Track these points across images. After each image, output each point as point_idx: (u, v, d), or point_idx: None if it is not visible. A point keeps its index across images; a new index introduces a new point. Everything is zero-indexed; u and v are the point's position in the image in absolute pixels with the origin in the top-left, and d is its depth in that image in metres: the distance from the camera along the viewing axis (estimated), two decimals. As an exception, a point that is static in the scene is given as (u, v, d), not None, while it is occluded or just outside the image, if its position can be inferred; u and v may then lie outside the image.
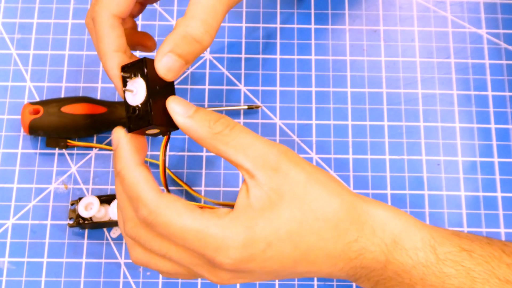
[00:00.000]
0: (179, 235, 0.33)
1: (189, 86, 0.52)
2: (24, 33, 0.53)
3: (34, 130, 0.47)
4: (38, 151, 0.50)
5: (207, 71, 0.52)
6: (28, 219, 0.48)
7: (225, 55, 0.53)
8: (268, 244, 0.33)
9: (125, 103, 0.36)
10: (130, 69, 0.36)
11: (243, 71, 0.52)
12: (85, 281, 0.46)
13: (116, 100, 0.51)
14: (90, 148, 0.50)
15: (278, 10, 0.55)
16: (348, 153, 0.50)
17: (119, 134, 0.35)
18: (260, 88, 0.52)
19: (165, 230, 0.33)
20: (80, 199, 0.46)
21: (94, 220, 0.46)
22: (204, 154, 0.50)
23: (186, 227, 0.33)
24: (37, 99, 0.51)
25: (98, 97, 0.51)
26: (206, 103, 0.51)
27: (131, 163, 0.34)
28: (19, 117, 0.50)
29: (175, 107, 0.35)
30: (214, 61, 0.53)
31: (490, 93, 0.52)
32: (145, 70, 0.35)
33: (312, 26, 0.54)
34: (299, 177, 0.35)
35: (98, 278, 0.47)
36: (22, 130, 0.50)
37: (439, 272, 0.36)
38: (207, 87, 0.52)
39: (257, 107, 0.51)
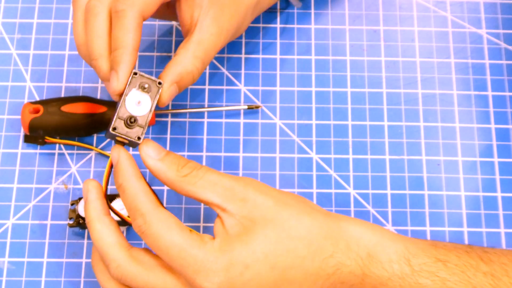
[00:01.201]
0: (164, 250, 0.35)
1: (189, 86, 0.52)
2: (24, 33, 0.53)
3: (34, 129, 0.47)
4: (38, 151, 0.50)
5: (207, 71, 0.52)
6: (28, 219, 0.48)
7: (225, 55, 0.53)
8: (246, 266, 0.35)
9: (120, 104, 0.38)
10: (142, 80, 0.38)
11: (243, 71, 0.52)
12: (85, 281, 0.46)
13: (116, 100, 0.51)
14: (72, 146, 0.50)
15: (278, 10, 0.55)
16: (348, 153, 0.50)
17: (119, 150, 0.38)
18: (260, 88, 0.52)
19: (153, 242, 0.35)
20: (80, 199, 0.46)
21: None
22: (204, 154, 0.50)
23: (172, 243, 0.35)
24: (37, 99, 0.51)
25: (98, 97, 0.51)
26: (206, 103, 0.51)
27: (132, 176, 0.37)
28: (19, 117, 0.50)
29: (148, 150, 0.37)
30: (214, 61, 0.53)
31: (490, 93, 0.52)
32: (159, 92, 0.39)
33: (312, 26, 0.54)
34: (267, 203, 0.36)
35: (98, 278, 0.47)
36: (22, 130, 0.50)
37: (415, 284, 0.36)
38: (207, 87, 0.52)
39: (257, 107, 0.51)
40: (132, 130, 0.38)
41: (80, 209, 0.46)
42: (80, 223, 0.46)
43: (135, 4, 0.39)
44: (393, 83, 0.52)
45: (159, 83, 0.39)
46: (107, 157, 0.50)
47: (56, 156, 0.50)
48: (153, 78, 0.39)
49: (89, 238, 0.48)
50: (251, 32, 0.54)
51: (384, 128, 0.51)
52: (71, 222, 0.46)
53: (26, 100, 0.51)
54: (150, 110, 0.38)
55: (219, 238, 0.36)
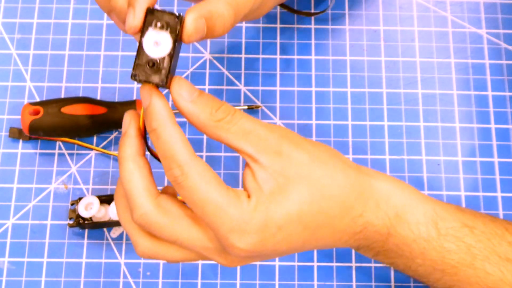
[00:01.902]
0: (199, 204, 0.33)
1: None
2: (24, 33, 0.53)
3: (34, 130, 0.47)
4: (38, 151, 0.50)
5: (207, 71, 0.52)
6: (28, 219, 0.48)
7: (225, 55, 0.53)
8: (279, 228, 0.34)
9: (139, 47, 0.34)
10: (158, 17, 0.34)
11: (243, 71, 0.52)
12: (85, 281, 0.46)
13: (116, 100, 0.51)
14: (72, 146, 0.50)
15: (278, 10, 0.55)
16: (348, 153, 0.50)
17: (150, 91, 0.34)
18: (260, 88, 0.52)
19: (189, 195, 0.33)
20: (80, 199, 0.46)
21: (94, 220, 0.46)
22: (204, 154, 0.50)
23: (209, 198, 0.33)
24: (37, 99, 0.51)
25: (98, 97, 0.51)
26: (206, 103, 0.51)
27: (168, 120, 0.34)
28: (19, 117, 0.50)
29: (180, 90, 0.34)
30: (214, 61, 0.53)
31: (490, 93, 0.52)
32: (178, 29, 0.34)
33: (312, 26, 0.54)
34: (301, 158, 0.35)
35: (98, 278, 0.47)
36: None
37: (440, 247, 0.36)
38: (207, 87, 0.52)
39: (257, 107, 0.51)
40: (155, 74, 0.34)
41: (81, 209, 0.46)
42: (80, 223, 0.46)
43: None
44: (393, 83, 0.52)
45: (178, 16, 0.34)
46: (108, 156, 0.50)
47: (56, 156, 0.50)
48: (173, 13, 0.34)
49: (89, 238, 0.48)
50: (251, 32, 0.54)
51: (384, 128, 0.51)
52: (71, 222, 0.46)
53: (26, 100, 0.51)
54: (173, 49, 0.34)
55: (254, 197, 0.34)
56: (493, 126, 0.51)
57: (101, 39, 0.53)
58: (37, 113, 0.47)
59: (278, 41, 0.54)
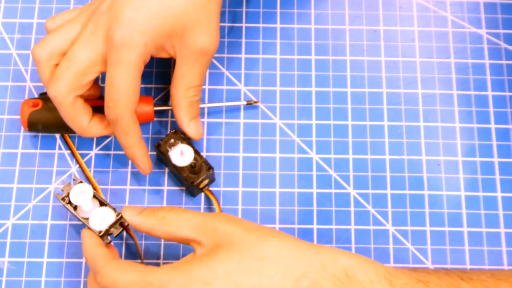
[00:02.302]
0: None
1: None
2: (24, 33, 0.53)
3: (33, 123, 0.47)
4: (38, 151, 0.50)
5: (207, 71, 0.52)
6: (28, 219, 0.48)
7: (225, 55, 0.53)
8: (206, 282, 0.35)
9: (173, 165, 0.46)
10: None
11: (243, 71, 0.52)
12: (85, 281, 0.46)
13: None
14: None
15: (278, 10, 0.55)
16: (348, 153, 0.50)
17: (84, 233, 0.43)
18: (260, 88, 0.52)
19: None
20: (76, 181, 0.45)
21: (78, 211, 0.45)
22: (203, 154, 0.50)
23: (130, 281, 0.36)
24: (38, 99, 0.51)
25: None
26: (206, 103, 0.51)
27: (93, 245, 0.41)
28: (19, 117, 0.50)
29: (126, 211, 0.42)
30: (214, 61, 0.53)
31: (490, 93, 0.52)
32: (180, 135, 0.48)
33: (312, 26, 0.54)
34: (236, 230, 0.37)
35: (98, 278, 0.47)
36: (22, 130, 0.50)
37: None
38: (207, 87, 0.52)
39: (256, 102, 0.51)
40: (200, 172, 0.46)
41: (74, 192, 0.44)
42: (66, 202, 0.45)
43: (125, 109, 0.43)
44: (393, 83, 0.52)
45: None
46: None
47: (56, 156, 0.50)
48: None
49: (89, 238, 0.48)
50: (251, 32, 0.54)
51: (384, 128, 0.51)
52: (61, 195, 0.45)
53: (26, 100, 0.51)
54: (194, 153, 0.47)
55: (179, 262, 0.37)
56: (493, 126, 0.51)
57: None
58: (36, 105, 0.47)
59: (278, 41, 0.54)
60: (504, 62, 0.53)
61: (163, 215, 0.39)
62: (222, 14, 0.54)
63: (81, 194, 0.44)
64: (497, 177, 0.50)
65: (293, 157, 0.50)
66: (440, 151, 0.50)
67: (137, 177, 0.49)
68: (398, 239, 0.48)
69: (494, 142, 0.51)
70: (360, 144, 0.50)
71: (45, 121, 0.47)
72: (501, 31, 0.54)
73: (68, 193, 0.44)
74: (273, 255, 0.36)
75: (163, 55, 0.45)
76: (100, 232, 0.43)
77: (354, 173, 0.50)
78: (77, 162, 0.49)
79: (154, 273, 0.36)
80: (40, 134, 0.50)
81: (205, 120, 0.51)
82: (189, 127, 0.46)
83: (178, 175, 0.47)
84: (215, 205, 0.47)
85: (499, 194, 0.49)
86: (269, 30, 0.54)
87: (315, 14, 0.55)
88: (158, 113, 0.51)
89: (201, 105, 0.49)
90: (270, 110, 0.51)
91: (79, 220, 0.44)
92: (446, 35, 0.54)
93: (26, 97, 0.51)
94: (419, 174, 0.50)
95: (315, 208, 0.49)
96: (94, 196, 0.45)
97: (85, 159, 0.50)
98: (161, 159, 0.48)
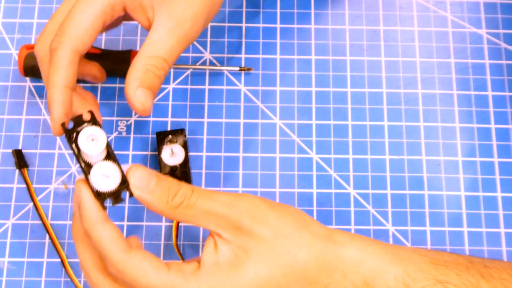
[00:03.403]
0: None
1: (189, 86, 0.52)
2: (24, 33, 0.53)
3: (29, 67, 0.48)
4: (38, 151, 0.50)
5: (207, 71, 0.52)
6: (28, 219, 0.48)
7: (225, 55, 0.53)
8: None
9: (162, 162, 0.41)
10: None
11: (243, 71, 0.52)
12: (85, 281, 0.46)
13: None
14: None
15: (278, 10, 0.55)
16: (348, 153, 0.50)
17: (80, 190, 0.35)
18: (260, 88, 0.52)
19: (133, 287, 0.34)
20: (90, 122, 0.36)
21: (82, 154, 0.36)
22: (204, 154, 0.50)
23: (153, 286, 0.34)
24: (37, 99, 0.51)
25: (98, 97, 0.51)
26: (206, 103, 0.51)
27: (97, 221, 0.35)
28: (19, 117, 0.50)
29: (135, 182, 0.35)
30: (214, 61, 0.53)
31: (490, 93, 0.52)
32: (184, 139, 0.42)
33: (312, 26, 0.54)
34: (263, 234, 0.35)
35: (98, 278, 0.47)
36: (22, 130, 0.50)
37: None
38: (207, 87, 0.52)
39: (249, 69, 0.51)
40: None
41: (82, 136, 0.36)
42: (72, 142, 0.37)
43: (67, 42, 0.38)
44: (393, 83, 0.52)
45: (181, 131, 0.39)
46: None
47: (56, 156, 0.50)
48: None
49: (89, 238, 0.48)
50: (251, 32, 0.54)
51: (384, 128, 0.51)
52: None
53: (26, 100, 0.51)
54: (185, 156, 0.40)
55: (206, 272, 0.34)
56: (493, 126, 0.51)
57: (101, 40, 0.53)
58: (32, 47, 0.48)
59: (278, 41, 0.54)
60: (504, 62, 0.53)
61: (177, 204, 0.35)
62: (222, 14, 0.54)
63: (92, 139, 0.36)
64: (497, 177, 0.50)
65: (293, 157, 0.50)
66: (440, 151, 0.50)
67: (137, 177, 0.49)
68: (398, 239, 0.48)
69: (494, 142, 0.51)
70: (360, 144, 0.50)
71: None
72: (501, 31, 0.54)
73: (77, 131, 0.36)
74: (300, 271, 0.35)
75: (139, 16, 0.41)
76: (97, 192, 0.35)
77: (354, 173, 0.50)
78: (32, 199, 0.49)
79: (181, 285, 0.34)
80: (40, 134, 0.50)
81: (205, 120, 0.51)
82: (135, 94, 0.38)
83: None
84: None
85: (499, 194, 0.49)
86: (269, 30, 0.54)
87: (315, 14, 0.55)
88: (157, 116, 0.51)
89: (203, 66, 0.50)
90: (270, 110, 0.51)
91: (79, 165, 0.36)
92: (446, 35, 0.54)
93: (26, 97, 0.51)
94: (419, 174, 0.50)
95: (315, 208, 0.49)
96: (107, 147, 0.36)
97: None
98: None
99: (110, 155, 0.36)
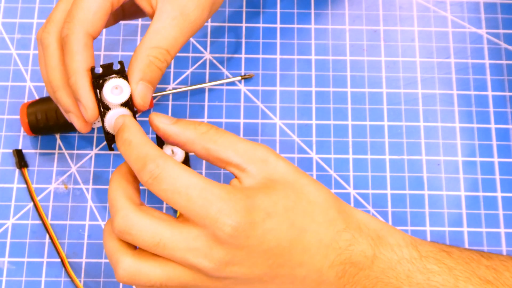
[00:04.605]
0: (183, 190, 0.33)
1: (189, 86, 0.52)
2: (24, 33, 0.53)
3: (31, 114, 0.47)
4: (38, 151, 0.50)
5: (207, 71, 0.52)
6: (28, 219, 0.48)
7: (225, 55, 0.53)
8: (268, 214, 0.33)
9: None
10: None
11: (243, 71, 0.52)
12: (85, 281, 0.46)
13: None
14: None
15: (278, 10, 0.55)
16: (348, 153, 0.50)
17: (124, 117, 0.36)
18: (260, 88, 0.52)
19: (170, 185, 0.33)
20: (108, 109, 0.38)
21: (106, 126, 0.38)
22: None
23: (192, 182, 0.33)
24: (37, 98, 0.51)
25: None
26: (206, 103, 0.51)
27: (140, 131, 0.35)
28: (19, 117, 0.50)
29: (159, 118, 0.36)
30: (214, 61, 0.53)
31: (490, 93, 0.52)
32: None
33: (312, 26, 0.54)
34: (288, 169, 0.36)
35: (98, 278, 0.47)
36: (22, 130, 0.50)
37: (424, 269, 0.36)
38: (207, 86, 0.52)
39: (250, 76, 0.51)
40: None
41: (107, 88, 0.38)
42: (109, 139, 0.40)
43: (77, 26, 0.37)
44: (393, 83, 0.52)
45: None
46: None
47: (56, 156, 0.50)
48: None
49: (89, 238, 0.48)
50: (251, 32, 0.54)
51: (384, 128, 0.51)
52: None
53: (26, 100, 0.51)
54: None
55: (239, 187, 0.34)
56: (493, 126, 0.51)
57: (101, 39, 0.53)
58: (33, 100, 0.48)
59: (278, 41, 0.54)
60: (504, 62, 0.53)
61: (205, 130, 0.36)
62: (222, 14, 0.54)
63: (116, 88, 0.38)
64: (497, 177, 0.50)
65: (293, 157, 0.50)
66: (440, 151, 0.50)
67: (137, 177, 0.49)
68: (398, 239, 0.48)
69: (494, 142, 0.51)
70: (360, 144, 0.50)
71: (42, 110, 0.47)
72: (501, 31, 0.54)
73: (104, 78, 0.37)
74: (322, 203, 0.36)
75: (142, 2, 0.41)
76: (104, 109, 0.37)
77: (354, 173, 0.50)
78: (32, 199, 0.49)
79: (219, 187, 0.33)
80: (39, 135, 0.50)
81: (205, 120, 0.51)
82: (136, 88, 0.38)
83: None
84: None
85: (499, 194, 0.49)
86: (269, 30, 0.54)
87: (315, 14, 0.55)
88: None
89: (202, 85, 0.49)
90: (270, 110, 0.51)
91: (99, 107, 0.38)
92: (446, 35, 0.54)
93: (26, 97, 0.51)
94: (419, 174, 0.50)
95: (315, 208, 0.49)
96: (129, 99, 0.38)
97: (85, 159, 0.50)
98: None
99: (129, 105, 0.38)
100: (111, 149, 0.39)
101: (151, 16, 0.41)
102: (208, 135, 0.35)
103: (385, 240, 0.36)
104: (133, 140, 0.35)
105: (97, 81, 0.37)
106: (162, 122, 0.36)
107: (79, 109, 0.38)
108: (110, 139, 0.38)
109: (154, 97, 0.51)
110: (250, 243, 0.33)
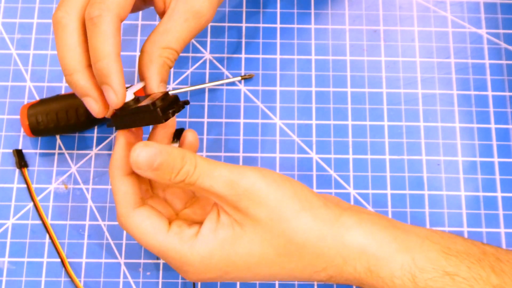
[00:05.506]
0: (146, 247, 0.37)
1: (189, 87, 0.52)
2: (24, 33, 0.53)
3: (32, 116, 0.47)
4: (38, 151, 0.50)
5: (207, 71, 0.52)
6: (28, 219, 0.48)
7: (225, 55, 0.53)
8: (225, 272, 0.36)
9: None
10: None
11: (243, 71, 0.52)
12: (85, 281, 0.46)
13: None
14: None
15: (278, 10, 0.55)
16: (348, 153, 0.50)
17: (117, 139, 0.38)
18: (260, 88, 0.52)
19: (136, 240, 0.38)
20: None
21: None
22: (204, 154, 0.50)
23: (150, 246, 0.37)
24: (37, 99, 0.51)
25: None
26: (206, 103, 0.51)
27: (118, 173, 0.37)
28: (19, 117, 0.50)
29: (138, 164, 0.35)
30: (214, 61, 0.53)
31: (490, 93, 0.52)
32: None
33: (312, 26, 0.54)
34: (259, 216, 0.36)
35: (98, 278, 0.47)
36: (22, 130, 0.50)
37: None
38: (207, 86, 0.52)
39: (250, 76, 0.51)
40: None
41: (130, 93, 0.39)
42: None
43: (111, 8, 0.36)
44: (393, 83, 0.52)
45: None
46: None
47: (56, 156, 0.50)
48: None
49: (89, 238, 0.48)
50: (251, 32, 0.54)
51: (384, 128, 0.51)
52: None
53: (26, 100, 0.51)
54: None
55: (201, 238, 0.36)
56: (493, 126, 0.51)
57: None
58: (34, 102, 0.48)
59: (278, 41, 0.54)
60: (504, 62, 0.53)
61: (179, 181, 0.36)
62: (222, 14, 0.54)
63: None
64: (497, 177, 0.50)
65: (293, 157, 0.50)
66: (440, 151, 0.50)
67: (137, 177, 0.49)
68: (398, 239, 0.48)
69: (494, 142, 0.51)
70: (360, 144, 0.50)
71: (43, 111, 0.47)
72: (501, 31, 0.54)
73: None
74: (295, 253, 0.36)
75: (157, 1, 0.40)
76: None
77: (354, 173, 0.50)
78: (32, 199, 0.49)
79: (175, 250, 0.36)
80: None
81: (205, 120, 0.51)
82: (158, 90, 0.39)
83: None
84: None
85: (499, 194, 0.49)
86: (269, 30, 0.54)
87: (315, 14, 0.55)
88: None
89: (202, 85, 0.49)
90: (270, 110, 0.51)
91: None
92: (446, 35, 0.54)
93: (26, 97, 0.51)
94: (419, 174, 0.50)
95: (315, 208, 0.49)
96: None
97: (85, 159, 0.50)
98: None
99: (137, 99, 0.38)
100: (109, 126, 0.39)
101: (161, 13, 0.41)
102: (182, 184, 0.36)
103: (375, 273, 0.35)
104: (111, 183, 0.38)
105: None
106: (141, 170, 0.35)
107: (99, 93, 0.37)
108: (116, 120, 0.38)
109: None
110: (217, 281, 0.38)
